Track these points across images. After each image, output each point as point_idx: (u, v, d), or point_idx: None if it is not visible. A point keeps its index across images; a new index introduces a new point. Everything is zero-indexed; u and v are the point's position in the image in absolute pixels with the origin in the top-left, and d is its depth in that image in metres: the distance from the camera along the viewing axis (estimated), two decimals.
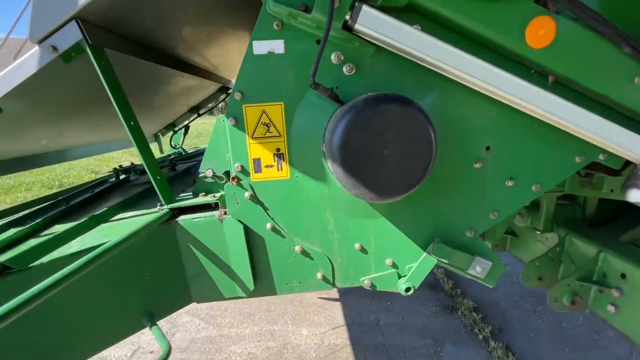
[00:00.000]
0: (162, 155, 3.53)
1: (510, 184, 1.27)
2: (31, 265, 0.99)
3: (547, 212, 2.29)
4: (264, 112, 1.16)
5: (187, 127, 3.55)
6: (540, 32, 1.04)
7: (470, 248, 1.33)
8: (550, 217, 2.30)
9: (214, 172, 1.26)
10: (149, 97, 2.23)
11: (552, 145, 1.24)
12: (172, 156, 3.36)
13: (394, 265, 1.33)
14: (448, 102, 1.18)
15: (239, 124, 1.16)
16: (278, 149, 1.19)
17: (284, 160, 1.20)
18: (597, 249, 1.86)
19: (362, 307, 3.99)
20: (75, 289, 0.97)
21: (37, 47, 1.08)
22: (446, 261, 1.27)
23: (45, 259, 1.03)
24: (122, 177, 2.33)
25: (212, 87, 3.24)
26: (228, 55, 2.65)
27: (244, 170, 1.21)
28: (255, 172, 1.21)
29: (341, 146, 0.96)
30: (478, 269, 1.32)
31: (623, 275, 1.68)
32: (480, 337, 3.37)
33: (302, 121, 1.16)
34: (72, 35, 1.06)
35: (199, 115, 3.52)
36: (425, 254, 1.29)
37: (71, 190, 2.05)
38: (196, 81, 2.56)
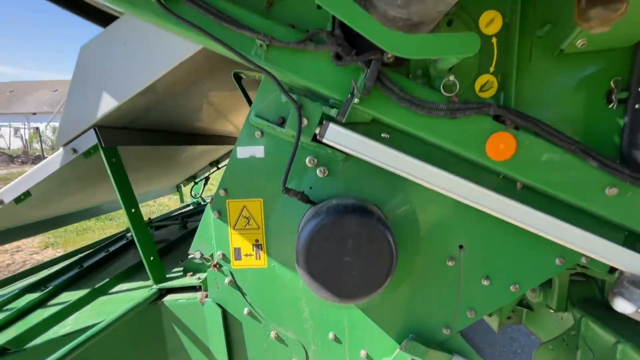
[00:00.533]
0: (182, 204, 3.78)
1: (486, 283, 1.26)
2: (26, 346, 1.12)
3: (561, 289, 2.16)
4: (245, 207, 1.27)
5: (207, 179, 3.80)
6: (501, 147, 1.09)
7: (447, 346, 1.31)
8: (564, 296, 2.16)
9: (202, 254, 1.37)
10: (168, 161, 2.47)
11: (529, 246, 1.23)
12: (190, 206, 3.59)
13: (369, 358, 1.33)
14: (417, 203, 1.23)
15: (223, 217, 1.28)
16: (257, 240, 1.29)
17: (262, 250, 1.29)
18: (615, 339, 1.71)
19: None
20: None
21: (61, 149, 1.29)
22: (420, 359, 1.25)
23: (40, 339, 1.16)
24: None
25: (230, 144, 3.50)
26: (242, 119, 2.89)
27: (225, 258, 1.31)
28: (236, 259, 1.31)
29: (305, 253, 1.04)
30: None
31: None
32: None
33: (279, 216, 1.26)
34: (90, 140, 1.27)
35: (218, 169, 3.77)
36: (399, 349, 1.28)
37: (90, 247, 2.26)
38: (214, 145, 2.81)
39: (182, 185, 3.82)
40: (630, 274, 1.18)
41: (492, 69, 1.14)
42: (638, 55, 1.09)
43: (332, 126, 1.11)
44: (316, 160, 1.21)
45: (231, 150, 3.88)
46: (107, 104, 1.23)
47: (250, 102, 1.29)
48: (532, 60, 1.13)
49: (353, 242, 1.02)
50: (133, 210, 1.34)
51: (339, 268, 1.04)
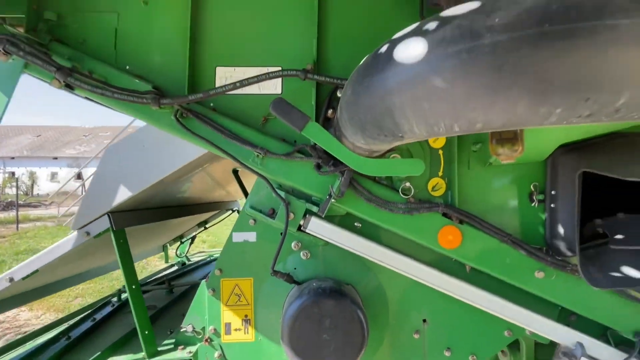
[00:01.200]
0: (167, 264, 3.83)
1: (447, 354, 1.44)
2: None
3: (528, 352, 2.31)
4: (237, 285, 1.45)
5: (193, 238, 3.92)
6: (449, 238, 1.35)
7: None
8: (531, 357, 2.31)
9: (194, 328, 1.50)
10: (162, 226, 2.63)
11: (482, 320, 1.44)
12: (175, 267, 3.65)
13: None
14: (385, 281, 1.45)
15: (216, 294, 1.45)
16: (246, 315, 1.45)
17: (250, 325, 1.44)
18: None
19: None
20: None
21: (75, 232, 1.47)
22: None
23: None
24: (124, 296, 2.57)
25: (219, 209, 3.70)
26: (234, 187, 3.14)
27: (217, 332, 1.45)
28: (226, 334, 1.45)
29: (289, 331, 1.21)
30: None
31: None
32: None
33: (267, 294, 1.44)
34: (103, 224, 1.46)
35: (206, 229, 3.91)
36: None
37: (76, 314, 2.29)
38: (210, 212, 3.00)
39: (167, 245, 3.91)
40: (563, 346, 1.40)
41: (440, 174, 1.45)
42: (548, 167, 1.42)
43: (313, 219, 1.35)
44: (300, 244, 1.44)
45: (219, 211, 4.02)
46: (122, 195, 1.44)
47: (245, 193, 1.54)
48: (470, 168, 1.45)
49: (330, 322, 1.21)
50: (134, 287, 1.49)
51: (318, 345, 1.21)
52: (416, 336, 1.44)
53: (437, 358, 1.44)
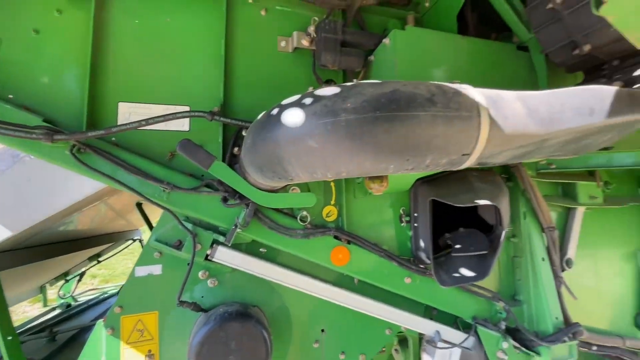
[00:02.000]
0: (46, 308, 3.27)
1: (342, 357, 1.68)
2: None
3: (414, 346, 2.73)
4: (140, 320, 1.43)
5: (82, 274, 3.46)
6: (340, 256, 1.62)
7: None
8: (417, 351, 2.74)
9: None
10: (43, 265, 2.30)
11: (368, 323, 1.73)
12: (57, 310, 3.16)
13: None
14: (289, 300, 1.62)
15: (116, 332, 1.40)
16: (150, 351, 1.43)
17: (155, 359, 1.43)
18: None
19: None
20: None
21: None
22: None
23: None
24: None
25: (117, 239, 3.38)
26: (136, 216, 2.94)
27: None
28: None
29: (196, 358, 1.27)
30: None
31: None
32: None
33: (174, 326, 1.46)
34: None
35: (99, 262, 3.50)
36: None
37: None
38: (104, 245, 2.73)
39: (47, 285, 3.35)
40: (427, 335, 1.78)
41: (332, 202, 1.72)
42: (411, 195, 1.83)
43: (220, 248, 1.46)
44: (207, 273, 1.52)
45: (115, 243, 3.71)
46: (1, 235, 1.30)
47: (150, 226, 1.55)
48: (355, 197, 1.77)
49: (236, 343, 1.32)
50: (10, 338, 1.33)
51: None
52: (316, 345, 1.64)
53: None
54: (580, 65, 1.54)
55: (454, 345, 1.73)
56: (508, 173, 1.98)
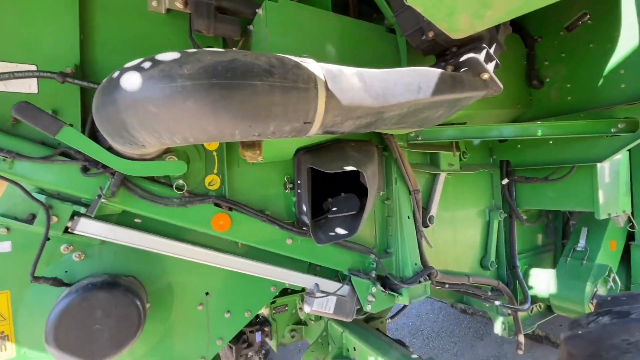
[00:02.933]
0: None
1: (227, 315, 1.79)
2: None
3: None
4: None
5: None
6: (220, 223, 1.68)
7: None
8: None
9: None
10: None
11: (254, 283, 1.86)
12: None
13: None
14: (170, 269, 1.65)
15: None
16: (2, 332, 1.33)
17: (8, 340, 1.34)
18: (342, 330, 2.58)
19: None
20: None
21: None
22: None
23: None
24: None
25: None
26: None
27: None
28: None
29: (53, 331, 1.23)
30: None
31: (354, 348, 2.38)
32: None
33: (30, 304, 1.37)
34: None
35: None
36: None
37: None
38: None
39: None
40: (308, 289, 1.99)
41: (215, 171, 1.75)
42: (295, 163, 1.96)
43: (83, 220, 1.39)
44: (72, 247, 1.44)
45: None
46: None
47: None
48: (239, 166, 1.82)
49: (102, 312, 1.31)
50: None
51: (89, 336, 1.29)
52: (200, 308, 1.71)
53: (219, 321, 1.76)
54: (430, 49, 1.79)
55: (329, 293, 1.98)
56: (384, 143, 2.24)
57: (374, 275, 2.12)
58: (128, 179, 1.45)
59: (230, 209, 1.72)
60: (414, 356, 2.06)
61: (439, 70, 1.45)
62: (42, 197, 1.33)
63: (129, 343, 1.36)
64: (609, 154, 2.16)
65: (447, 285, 2.52)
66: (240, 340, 2.43)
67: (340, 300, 2.03)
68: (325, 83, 1.11)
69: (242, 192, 1.83)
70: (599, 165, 2.34)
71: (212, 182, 1.74)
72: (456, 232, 2.74)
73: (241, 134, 1.05)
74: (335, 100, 1.14)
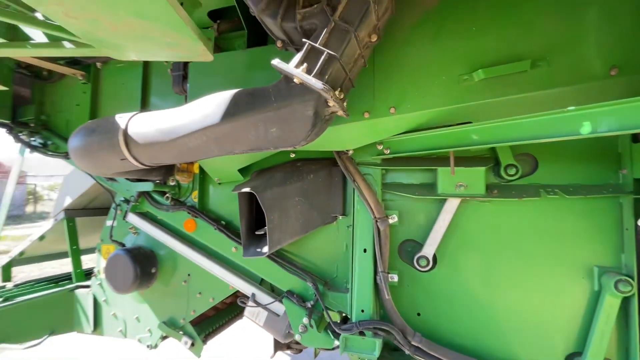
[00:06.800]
0: None
1: (199, 295, 2.43)
2: None
3: None
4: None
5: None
6: (189, 225, 2.37)
7: (185, 330, 2.47)
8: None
9: None
10: None
11: (216, 278, 2.39)
12: None
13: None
14: (169, 254, 2.53)
15: None
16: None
17: None
18: None
19: None
20: None
21: (52, 220, 3.04)
22: (164, 334, 2.45)
23: None
24: None
25: None
26: None
27: None
28: None
29: (105, 269, 2.45)
30: (184, 342, 2.42)
31: None
32: None
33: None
34: (62, 215, 2.99)
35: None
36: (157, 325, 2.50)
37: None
38: None
39: None
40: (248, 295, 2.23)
41: (197, 189, 2.46)
42: None
43: (129, 214, 2.57)
44: (133, 228, 2.66)
45: None
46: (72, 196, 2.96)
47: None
48: (213, 186, 2.43)
49: (121, 265, 2.39)
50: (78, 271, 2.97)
51: (115, 275, 2.40)
52: (184, 283, 2.48)
53: (194, 298, 2.44)
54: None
55: (259, 305, 2.12)
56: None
57: (309, 305, 2.02)
58: (149, 194, 2.49)
59: (195, 216, 2.38)
60: None
61: (234, 92, 1.44)
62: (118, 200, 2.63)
63: (129, 288, 2.36)
64: None
65: None
66: None
67: (271, 316, 2.11)
68: (124, 130, 1.60)
69: (215, 205, 2.43)
70: None
71: (195, 196, 2.47)
72: (525, 295, 1.84)
73: (97, 171, 1.76)
74: (133, 142, 1.59)
